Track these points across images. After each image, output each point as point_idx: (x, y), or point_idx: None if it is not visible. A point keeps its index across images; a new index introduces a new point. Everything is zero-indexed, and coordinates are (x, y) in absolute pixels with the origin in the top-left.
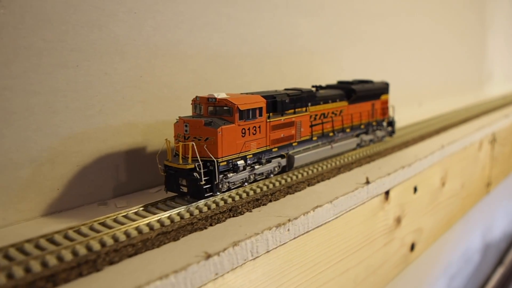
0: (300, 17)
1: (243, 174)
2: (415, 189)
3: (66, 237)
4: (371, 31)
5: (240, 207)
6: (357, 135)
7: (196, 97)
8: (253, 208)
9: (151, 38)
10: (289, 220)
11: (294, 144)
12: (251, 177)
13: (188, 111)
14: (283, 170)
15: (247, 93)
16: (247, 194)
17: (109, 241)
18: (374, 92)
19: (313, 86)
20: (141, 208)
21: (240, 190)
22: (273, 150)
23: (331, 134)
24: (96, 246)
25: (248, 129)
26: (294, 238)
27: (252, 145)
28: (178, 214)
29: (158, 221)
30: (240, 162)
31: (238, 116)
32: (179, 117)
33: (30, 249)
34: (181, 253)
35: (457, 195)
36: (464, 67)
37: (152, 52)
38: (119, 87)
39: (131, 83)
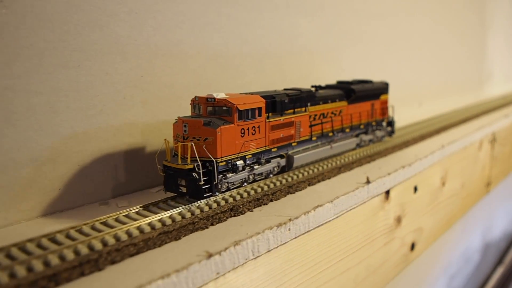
0: (300, 17)
1: (242, 174)
2: (415, 189)
3: (68, 236)
4: (371, 31)
5: (241, 206)
6: (357, 135)
7: (195, 97)
8: (254, 208)
9: (152, 38)
10: (290, 220)
11: (293, 144)
12: (250, 177)
13: (188, 111)
14: (283, 170)
15: (246, 93)
16: (248, 193)
17: (111, 241)
18: (374, 92)
19: (312, 86)
20: (142, 208)
21: (241, 190)
22: (273, 150)
23: (330, 134)
24: (98, 245)
25: (247, 129)
26: (295, 237)
27: (251, 145)
28: (180, 213)
29: (160, 220)
30: (239, 162)
31: (237, 116)
32: (178, 117)
33: (32, 248)
34: (182, 253)
35: (457, 195)
36: (464, 67)
37: (153, 52)
38: (120, 87)
39: (132, 83)
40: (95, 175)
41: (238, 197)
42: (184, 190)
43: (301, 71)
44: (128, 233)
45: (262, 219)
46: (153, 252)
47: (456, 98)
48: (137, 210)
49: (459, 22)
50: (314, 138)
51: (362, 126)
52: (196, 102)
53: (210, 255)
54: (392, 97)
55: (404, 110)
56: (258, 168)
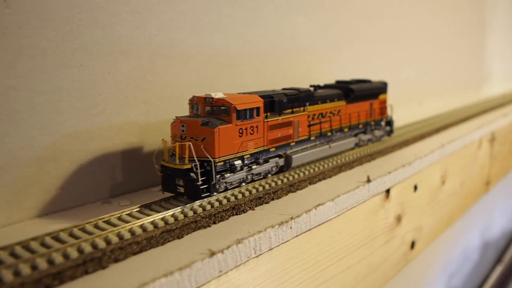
0: (300, 17)
1: (241, 174)
2: (415, 188)
3: (72, 235)
4: (371, 30)
5: (243, 205)
6: (355, 135)
7: (193, 96)
8: (256, 206)
9: (154, 37)
10: (291, 218)
11: (292, 144)
12: (249, 177)
13: None
14: (281, 170)
15: (244, 93)
16: (250, 192)
17: (114, 239)
18: (372, 91)
19: (311, 86)
20: (145, 207)
21: (243, 189)
22: (271, 150)
23: (329, 133)
24: (101, 243)
25: (246, 129)
26: (297, 236)
27: (249, 145)
28: (182, 212)
29: (162, 219)
30: (238, 162)
31: (235, 116)
32: (176, 117)
33: (36, 247)
34: (185, 251)
35: (457, 194)
36: (464, 66)
37: (155, 51)
38: (122, 86)
39: (134, 82)
40: (97, 174)
41: (240, 196)
42: (182, 190)
43: (301, 71)
44: (131, 231)
45: (263, 218)
46: (156, 250)
47: (455, 97)
48: (140, 209)
49: (459, 21)
50: (312, 138)
51: (360, 126)
52: (194, 102)
53: (212, 253)
54: (392, 96)
55: (404, 109)
56: (256, 168)
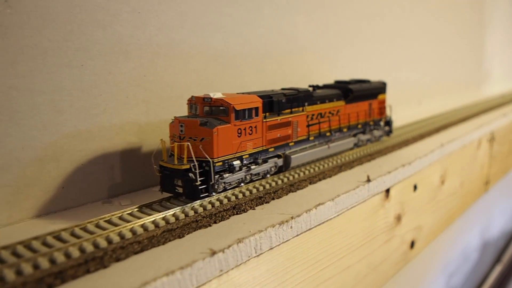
0: (300, 17)
1: (239, 175)
2: (415, 187)
3: (73, 234)
4: (371, 30)
5: (243, 204)
6: (354, 135)
7: (192, 97)
8: (256, 206)
9: (155, 37)
10: (292, 218)
11: (290, 144)
12: (247, 177)
13: None
14: (280, 170)
15: (243, 93)
16: (250, 192)
17: (116, 238)
18: (371, 91)
19: (310, 86)
20: (146, 206)
21: (243, 188)
22: (270, 150)
23: (328, 134)
24: (102, 243)
25: (244, 129)
26: (297, 235)
27: (248, 145)
28: (183, 211)
29: (163, 218)
30: (236, 162)
31: (234, 116)
32: (175, 117)
33: (37, 246)
34: (186, 250)
35: (456, 193)
36: (464, 66)
37: (155, 51)
38: (123, 86)
39: (134, 82)
40: (98, 174)
41: (240, 196)
42: (180, 190)
43: (301, 71)
44: (132, 231)
45: (264, 217)
46: (157, 249)
47: (455, 97)
48: (140, 208)
49: (459, 21)
50: (311, 138)
51: (359, 126)
52: (193, 102)
53: (213, 253)
54: (392, 96)
55: (403, 109)
56: (255, 168)
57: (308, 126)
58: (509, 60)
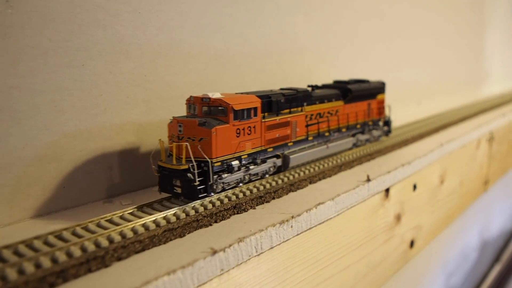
0: (300, 17)
1: (238, 175)
2: (415, 187)
3: (74, 234)
4: (371, 30)
5: (244, 204)
6: (353, 135)
7: (191, 97)
8: (257, 205)
9: (155, 37)
10: (292, 217)
11: (289, 144)
12: (246, 177)
13: None
14: (279, 170)
15: (242, 93)
16: (251, 191)
17: (117, 238)
18: (370, 91)
19: (309, 86)
20: (147, 206)
21: (244, 188)
22: (268, 150)
23: (326, 134)
24: (104, 242)
25: (243, 129)
26: (297, 234)
27: (247, 145)
28: (184, 211)
29: (164, 218)
30: (235, 163)
31: (233, 116)
32: (173, 117)
33: (39, 245)
34: (187, 249)
35: (456, 193)
36: (463, 66)
37: (156, 51)
38: (123, 86)
39: (135, 82)
40: (99, 173)
41: (241, 195)
42: (179, 190)
43: (301, 71)
44: (134, 230)
45: (264, 217)
46: (158, 249)
47: (454, 96)
48: (141, 208)
49: (458, 21)
50: (310, 138)
51: (358, 126)
52: (191, 102)
53: (214, 252)
54: (392, 96)
55: (403, 109)
56: (253, 168)
57: (307, 126)
58: (508, 60)
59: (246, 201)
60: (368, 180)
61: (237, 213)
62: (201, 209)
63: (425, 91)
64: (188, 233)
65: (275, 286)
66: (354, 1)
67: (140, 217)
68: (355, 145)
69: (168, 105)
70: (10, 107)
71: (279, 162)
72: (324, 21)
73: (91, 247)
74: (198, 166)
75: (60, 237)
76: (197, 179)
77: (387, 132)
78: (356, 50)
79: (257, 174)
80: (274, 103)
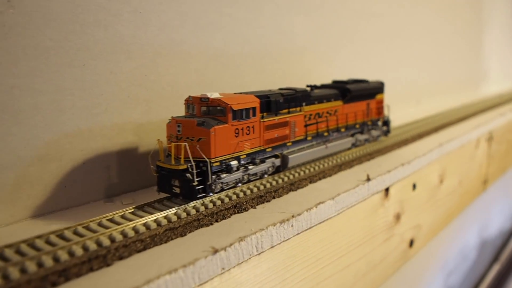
0: (300, 17)
1: (237, 175)
2: (414, 186)
3: (76, 233)
4: (370, 30)
5: (244, 203)
6: (352, 135)
7: (189, 97)
8: (257, 205)
9: (156, 37)
10: (292, 216)
11: (288, 144)
12: (245, 177)
13: None
14: (277, 170)
15: (240, 93)
16: (251, 191)
17: (118, 237)
18: (369, 91)
19: (307, 86)
20: (148, 205)
21: (244, 187)
22: (267, 150)
23: (325, 134)
24: (105, 241)
25: (242, 129)
26: (298, 234)
27: (245, 145)
28: (184, 210)
29: (165, 217)
30: (234, 163)
31: (232, 116)
32: (172, 117)
33: (41, 244)
34: (188, 248)
35: (455, 192)
36: (462, 65)
37: (157, 51)
38: (124, 85)
39: (136, 82)
40: (99, 173)
41: (241, 194)
42: (177, 190)
43: (301, 70)
44: (135, 229)
45: (265, 216)
46: (160, 248)
47: (453, 96)
48: (142, 207)
49: (457, 20)
50: (309, 138)
51: (357, 126)
52: (190, 102)
53: (215, 251)
54: (391, 96)
55: (402, 109)
56: (252, 168)
57: (305, 126)
58: (507, 59)
59: (246, 200)
60: (368, 179)
61: (238, 212)
62: (202, 208)
63: (424, 91)
64: (189, 232)
65: (276, 285)
66: (354, 1)
67: (141, 217)
68: (354, 145)
69: (169, 104)
70: (12, 106)
71: (278, 162)
72: (323, 21)
73: (92, 246)
74: (196, 166)
75: (61, 236)
76: (196, 179)
77: (386, 132)
78: (355, 49)
79: (256, 174)
80: (273, 103)
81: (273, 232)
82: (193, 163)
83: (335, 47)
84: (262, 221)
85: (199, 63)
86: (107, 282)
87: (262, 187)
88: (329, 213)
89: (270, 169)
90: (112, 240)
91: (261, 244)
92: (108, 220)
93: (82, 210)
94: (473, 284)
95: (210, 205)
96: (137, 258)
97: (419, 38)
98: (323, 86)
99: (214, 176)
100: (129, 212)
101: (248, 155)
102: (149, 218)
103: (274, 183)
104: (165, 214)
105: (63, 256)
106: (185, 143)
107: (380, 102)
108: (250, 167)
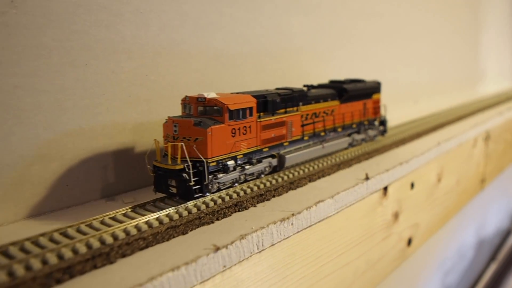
0: (299, 17)
1: (233, 175)
2: (412, 185)
3: (79, 231)
4: (369, 29)
5: (245, 202)
6: (349, 135)
7: (186, 96)
8: (258, 203)
9: (157, 37)
10: (292, 215)
11: (285, 144)
12: (242, 177)
13: None
14: (274, 170)
15: (237, 93)
16: (251, 189)
17: (121, 235)
18: (366, 91)
19: (304, 86)
20: (149, 204)
21: (244, 186)
22: (264, 150)
23: (322, 133)
24: (108, 239)
25: (238, 129)
26: (297, 232)
27: (242, 145)
28: (186, 208)
29: (167, 215)
30: (230, 163)
31: (228, 116)
32: (168, 117)
33: (45, 242)
34: (190, 246)
35: (453, 191)
36: (459, 65)
37: (157, 51)
38: (125, 85)
39: (137, 81)
40: (101, 172)
41: (241, 193)
42: (174, 190)
43: (300, 70)
44: (137, 227)
45: (265, 214)
46: (162, 246)
47: (451, 96)
48: (144, 205)
49: (455, 20)
50: (306, 138)
51: (354, 126)
52: (187, 102)
53: (217, 249)
54: (389, 96)
55: (400, 108)
56: (249, 168)
57: (302, 126)
58: (504, 59)
59: (247, 199)
60: (367, 178)
61: (238, 211)
62: (203, 206)
63: (422, 91)
64: (190, 230)
65: (276, 283)
66: (352, 1)
67: (143, 215)
68: (350, 145)
69: (169, 104)
70: (14, 106)
71: (274, 162)
72: (322, 21)
73: (96, 244)
74: (193, 166)
75: (65, 234)
76: (192, 179)
77: (383, 132)
78: (353, 49)
79: (252, 174)
80: (270, 103)
81: (273, 230)
82: (189, 163)
83: (334, 47)
84: (262, 219)
85: (199, 63)
86: (111, 279)
87: (262, 186)
88: (329, 211)
89: (267, 169)
90: (115, 238)
91: (261, 242)
92: (110, 218)
93: (84, 209)
94: (471, 283)
95: (211, 204)
96: (140, 255)
97: (417, 38)
98: (320, 86)
99: (211, 176)
100: (131, 211)
101: (245, 155)
102: (151, 216)
103: (274, 182)
104: (167, 213)
105: (67, 253)
106: (182, 143)
107: (377, 101)
108: (247, 167)
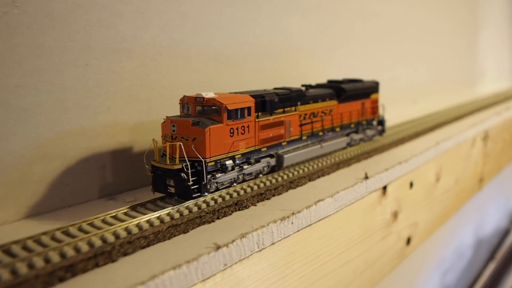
0: (298, 17)
1: (232, 174)
2: (411, 185)
3: (81, 229)
4: (367, 29)
5: (245, 201)
6: (347, 134)
7: (184, 96)
8: (258, 202)
9: (157, 37)
10: (292, 214)
11: (283, 143)
12: (240, 177)
13: None
14: (273, 170)
15: (235, 93)
16: (252, 188)
17: (123, 234)
18: (364, 91)
19: (303, 85)
20: (150, 202)
21: (245, 185)
22: (262, 149)
23: (320, 133)
24: (110, 238)
25: (237, 128)
26: (298, 231)
27: (240, 145)
28: (187, 207)
29: (168, 214)
30: (229, 162)
31: (226, 115)
32: (167, 116)
33: (47, 241)
34: (191, 245)
35: (451, 191)
36: (458, 65)
37: (158, 51)
38: (126, 85)
39: (137, 81)
40: (102, 171)
41: (242, 192)
42: (172, 190)
43: (300, 70)
44: (139, 226)
45: (265, 213)
46: (163, 244)
47: (449, 95)
48: (145, 204)
49: (453, 20)
50: (304, 138)
51: (352, 125)
52: (185, 102)
53: (218, 247)
54: (387, 95)
55: (399, 108)
56: (247, 168)
57: (300, 125)
58: (502, 59)
59: (247, 198)
60: (366, 177)
61: (239, 210)
62: (204, 205)
63: (421, 90)
64: (191, 229)
65: (276, 281)
66: (351, 1)
67: (144, 214)
68: (349, 145)
69: (169, 103)
70: (16, 105)
71: (273, 161)
72: (320, 21)
73: (98, 242)
74: (191, 166)
75: (67, 233)
76: (191, 179)
77: (381, 132)
78: (352, 49)
79: (251, 173)
80: (268, 102)
81: (273, 229)
82: (188, 163)
83: (332, 47)
84: (263, 218)
85: (199, 63)
86: (113, 278)
87: (262, 185)
88: (328, 210)
89: (265, 168)
90: (117, 236)
91: (262, 241)
92: (111, 217)
93: (85, 208)
94: (469, 282)
95: (212, 203)
96: (141, 254)
97: (415, 38)
98: (318, 86)
99: (209, 176)
100: (132, 210)
101: (243, 154)
102: (152, 215)
103: (274, 181)
104: (168, 211)
105: (69, 252)
106: (180, 143)
107: (375, 101)
108: (245, 166)
